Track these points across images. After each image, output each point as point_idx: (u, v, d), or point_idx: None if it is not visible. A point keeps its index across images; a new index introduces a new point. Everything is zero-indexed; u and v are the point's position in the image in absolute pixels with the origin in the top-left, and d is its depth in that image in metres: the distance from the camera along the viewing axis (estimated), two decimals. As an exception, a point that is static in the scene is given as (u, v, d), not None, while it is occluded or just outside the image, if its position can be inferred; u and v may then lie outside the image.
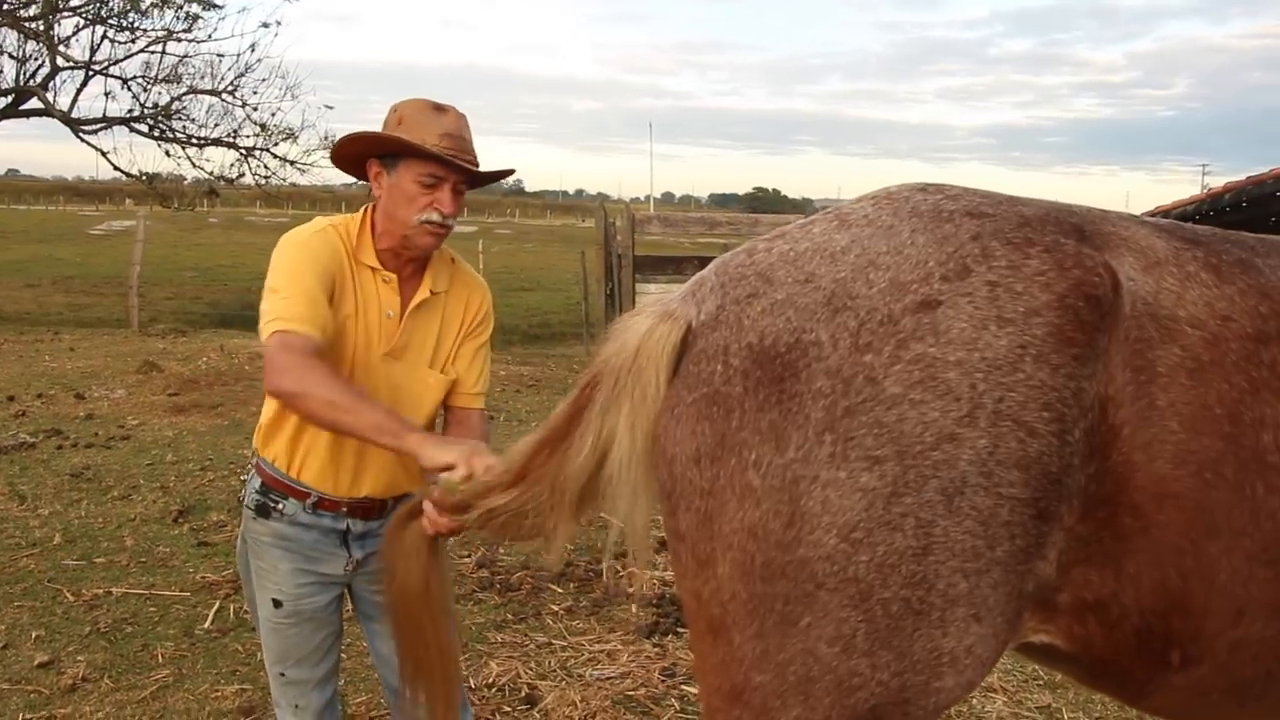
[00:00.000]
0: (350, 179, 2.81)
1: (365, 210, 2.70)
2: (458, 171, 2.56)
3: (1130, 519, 1.64)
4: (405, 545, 2.32)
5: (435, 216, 2.57)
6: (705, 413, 1.65)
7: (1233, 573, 1.67)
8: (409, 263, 2.69)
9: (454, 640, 2.46)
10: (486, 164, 2.68)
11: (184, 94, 17.13)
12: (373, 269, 2.65)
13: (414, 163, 2.54)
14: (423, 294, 2.70)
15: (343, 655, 3.88)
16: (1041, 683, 4.36)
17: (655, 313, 1.78)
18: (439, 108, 2.58)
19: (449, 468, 2.23)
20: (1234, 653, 1.72)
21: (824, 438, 1.56)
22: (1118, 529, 1.65)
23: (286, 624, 2.72)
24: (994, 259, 1.64)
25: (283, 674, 2.76)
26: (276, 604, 2.71)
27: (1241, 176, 11.33)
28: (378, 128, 2.64)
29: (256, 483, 2.73)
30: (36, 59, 16.61)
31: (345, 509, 2.70)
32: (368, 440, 2.40)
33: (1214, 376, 1.66)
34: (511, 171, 2.84)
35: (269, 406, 2.70)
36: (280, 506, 2.69)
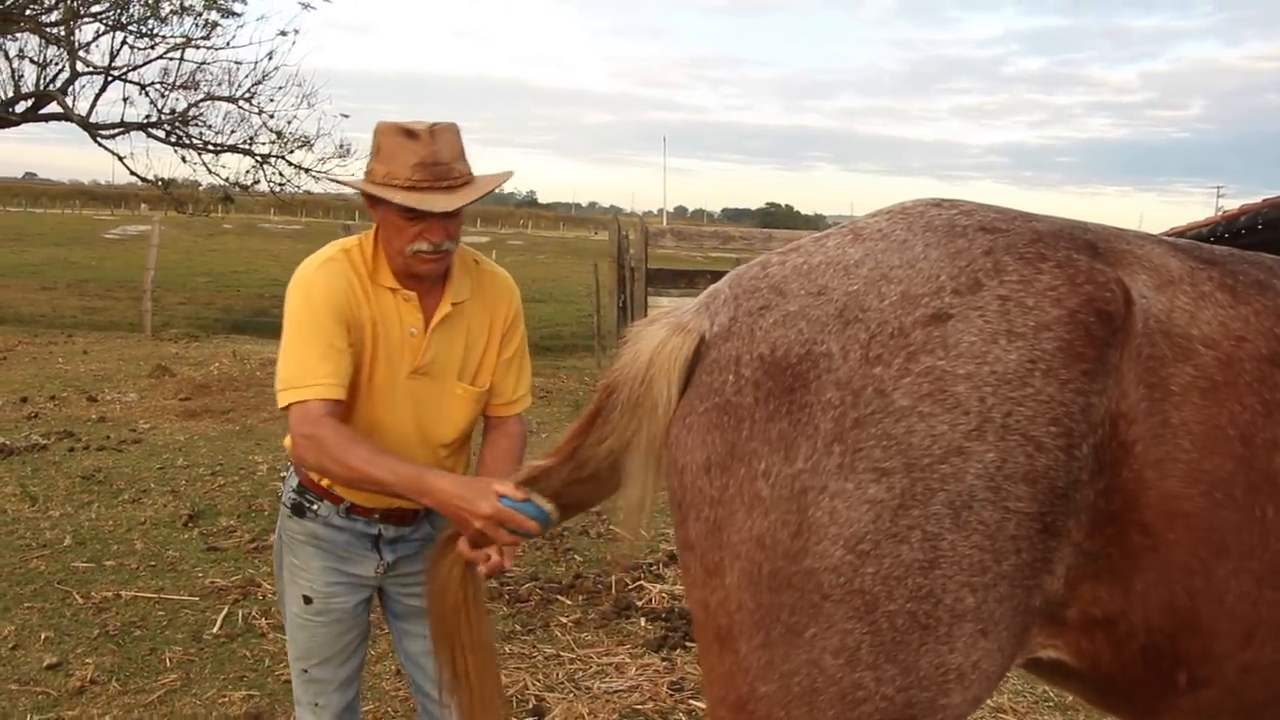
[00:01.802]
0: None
1: (376, 229, 2.65)
2: (434, 215, 2.47)
3: (1139, 536, 1.64)
4: (446, 561, 2.41)
5: (425, 247, 2.50)
6: (716, 422, 1.66)
7: (1241, 594, 1.66)
8: (423, 280, 2.64)
9: (490, 645, 2.49)
10: (487, 169, 2.62)
11: (201, 100, 17.20)
12: (392, 289, 2.61)
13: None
14: (444, 309, 2.65)
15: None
16: (1052, 704, 4.33)
17: (669, 324, 1.79)
18: (410, 133, 2.47)
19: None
20: (1243, 676, 1.71)
21: (833, 449, 1.56)
22: (1126, 546, 1.65)
23: (315, 621, 2.74)
24: (1006, 273, 1.65)
25: (306, 671, 2.77)
26: (307, 600, 2.73)
27: (1257, 199, 11.26)
28: None
29: (294, 481, 2.75)
30: (57, 64, 16.73)
31: (378, 515, 2.72)
32: (397, 496, 2.48)
33: (1227, 397, 1.66)
34: (508, 175, 2.71)
35: None
36: (315, 507, 2.71)
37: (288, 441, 2.69)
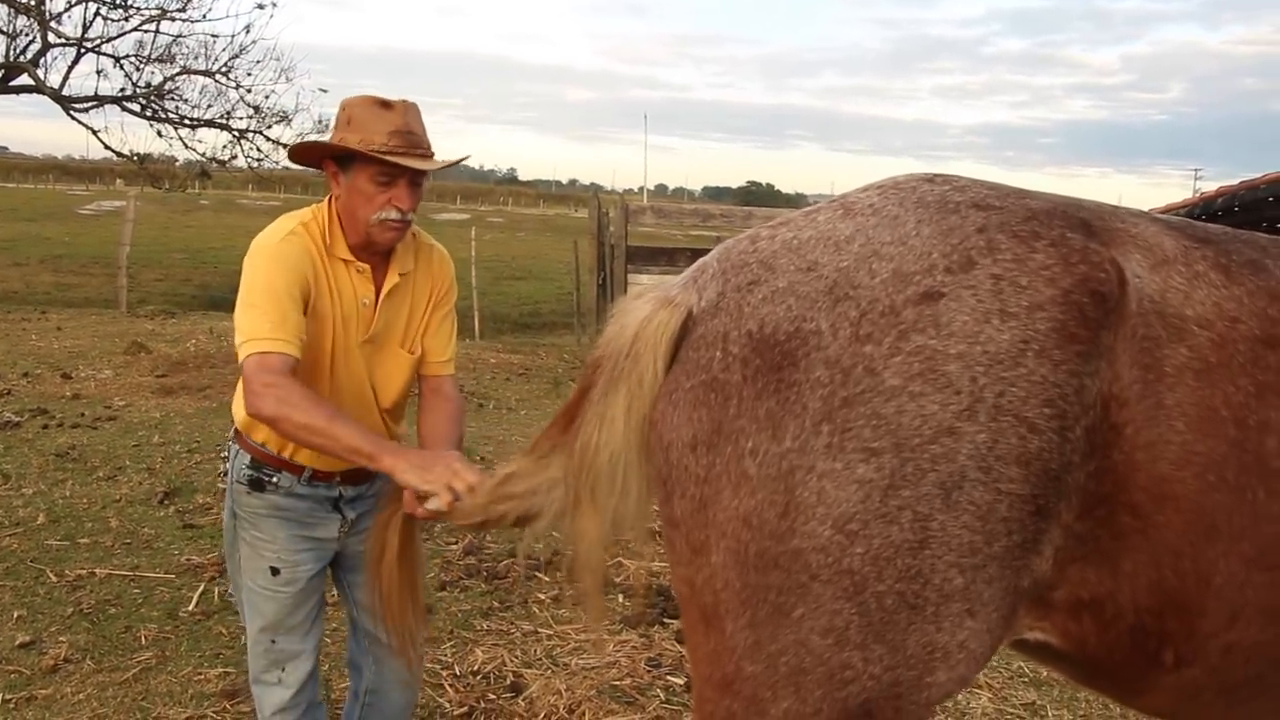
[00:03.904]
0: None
1: (330, 204, 2.74)
2: (411, 170, 2.61)
3: (1129, 518, 1.63)
4: (385, 519, 2.53)
5: (394, 214, 2.62)
6: (703, 399, 1.64)
7: (1229, 576, 1.66)
8: (377, 252, 2.76)
9: (417, 584, 2.62)
10: (454, 151, 2.77)
11: (177, 74, 16.97)
12: (346, 261, 2.71)
13: (366, 164, 2.60)
14: (393, 279, 2.77)
15: (326, 639, 3.86)
16: (1027, 680, 4.37)
17: (656, 298, 1.77)
18: (385, 104, 2.62)
19: (425, 495, 2.34)
20: (1227, 655, 1.71)
21: (821, 428, 1.54)
22: (1116, 528, 1.64)
23: (283, 592, 2.79)
24: (999, 252, 1.62)
25: (274, 642, 2.82)
26: (274, 571, 2.78)
27: (1234, 181, 11.34)
28: None
29: (245, 459, 2.77)
30: (27, 35, 16.43)
31: (338, 478, 2.79)
32: (345, 460, 2.53)
33: (1220, 378, 1.64)
34: (466, 156, 2.87)
35: None
36: (274, 479, 2.75)
37: (238, 407, 2.72)
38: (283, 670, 2.83)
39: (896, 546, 1.54)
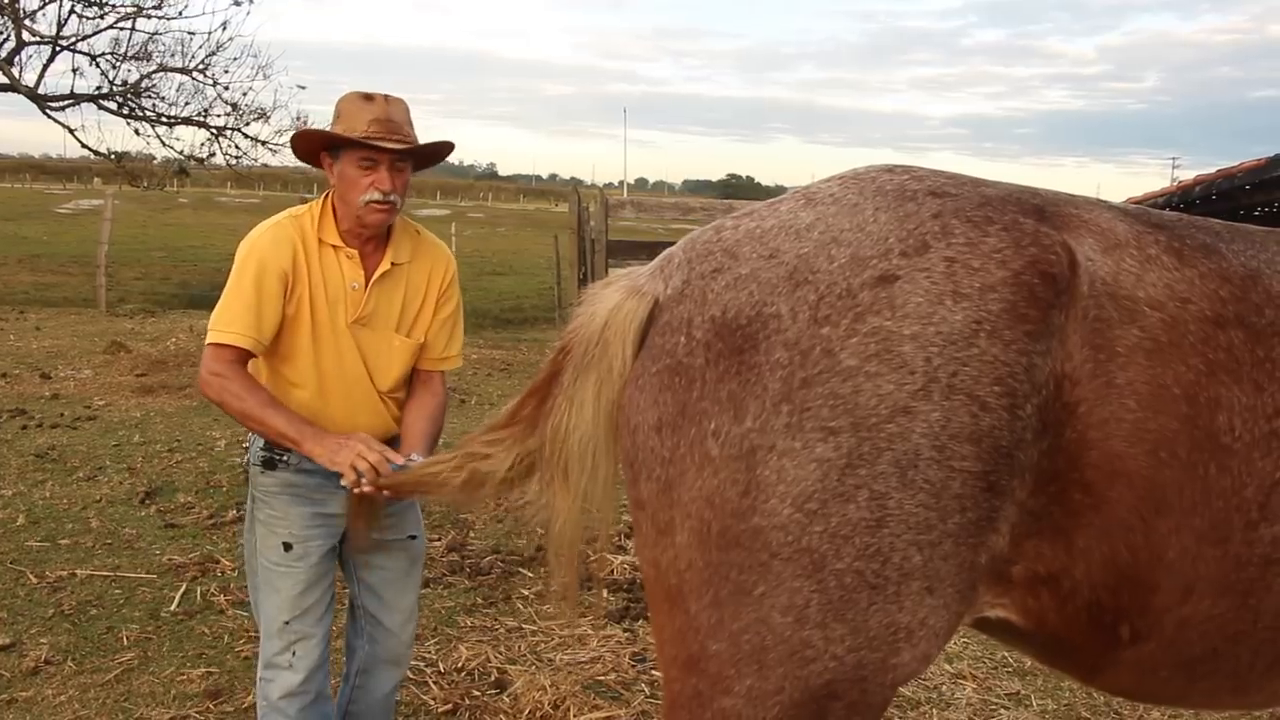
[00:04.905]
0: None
1: (326, 195, 2.97)
2: (387, 151, 2.80)
3: (1081, 495, 1.67)
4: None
5: (376, 195, 2.82)
6: (668, 383, 1.67)
7: (1182, 550, 1.70)
8: (370, 239, 2.95)
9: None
10: (437, 142, 2.95)
11: (154, 72, 16.86)
12: (335, 247, 2.91)
13: (351, 150, 2.82)
14: (384, 266, 2.96)
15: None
16: (1011, 669, 4.40)
17: (624, 287, 1.81)
18: (368, 97, 2.85)
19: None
20: (1181, 630, 1.75)
21: (780, 408, 1.58)
22: (1069, 504, 1.68)
23: (297, 568, 2.91)
24: (953, 236, 1.66)
25: (287, 622, 2.92)
26: (287, 547, 2.92)
27: (1210, 170, 11.41)
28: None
29: (260, 441, 2.94)
30: (1, 32, 16.29)
31: None
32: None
33: (1172, 357, 1.68)
34: (449, 145, 3.01)
35: None
36: (285, 458, 2.91)
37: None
38: (293, 654, 2.93)
39: (854, 525, 1.57)
